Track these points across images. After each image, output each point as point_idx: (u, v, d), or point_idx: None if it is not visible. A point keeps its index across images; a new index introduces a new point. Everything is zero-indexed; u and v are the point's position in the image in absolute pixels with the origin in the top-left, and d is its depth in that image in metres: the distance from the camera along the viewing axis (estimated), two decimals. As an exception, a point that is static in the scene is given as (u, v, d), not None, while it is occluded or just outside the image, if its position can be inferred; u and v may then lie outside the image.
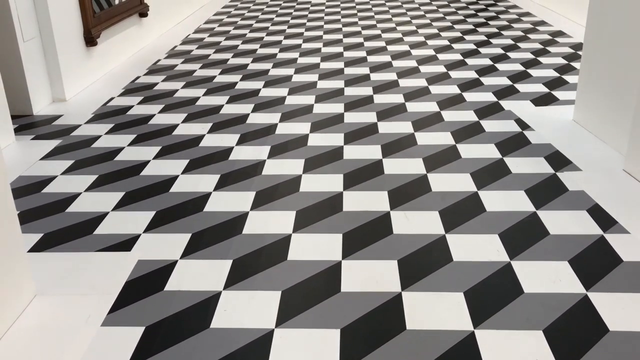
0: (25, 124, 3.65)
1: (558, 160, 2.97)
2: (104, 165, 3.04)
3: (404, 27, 6.24)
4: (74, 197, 2.71)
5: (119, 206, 2.61)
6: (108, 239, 2.35)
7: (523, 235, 2.31)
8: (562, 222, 2.40)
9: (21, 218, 2.51)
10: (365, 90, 4.15)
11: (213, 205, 2.60)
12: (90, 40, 4.39)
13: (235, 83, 4.42)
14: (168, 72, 4.75)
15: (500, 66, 4.67)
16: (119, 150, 3.23)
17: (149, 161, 3.08)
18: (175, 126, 3.56)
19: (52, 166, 3.04)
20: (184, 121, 3.65)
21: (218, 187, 2.77)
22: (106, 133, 3.48)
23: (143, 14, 5.56)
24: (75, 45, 4.26)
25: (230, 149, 3.21)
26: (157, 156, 3.14)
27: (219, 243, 2.30)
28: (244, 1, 8.22)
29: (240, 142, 3.31)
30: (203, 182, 2.82)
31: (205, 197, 2.68)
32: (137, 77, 4.63)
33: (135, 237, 2.35)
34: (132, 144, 3.31)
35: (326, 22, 6.63)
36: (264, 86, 4.34)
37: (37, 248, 2.30)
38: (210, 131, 3.48)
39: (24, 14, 3.70)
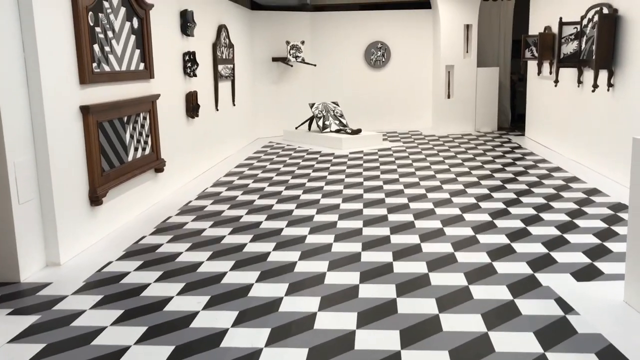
0: (8, 293, 3.32)
1: (612, 358, 2.45)
2: (77, 351, 2.64)
3: (427, 182, 6.00)
4: (29, 397, 2.28)
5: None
6: None
7: None
8: None
9: None
10: (384, 256, 3.78)
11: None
12: (96, 199, 4.18)
13: (249, 241, 4.10)
14: (175, 232, 4.48)
15: (533, 230, 4.27)
16: (99, 331, 2.83)
17: (129, 346, 2.66)
18: (169, 298, 3.19)
19: (18, 352, 2.65)
20: (179, 293, 3.28)
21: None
22: (91, 307, 3.11)
23: (159, 169, 5.44)
24: (78, 205, 4.03)
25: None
26: (139, 341, 2.73)
27: None
28: (268, 153, 8.23)
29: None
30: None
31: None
32: (142, 237, 4.36)
33: None
34: (114, 323, 2.91)
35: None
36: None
37: None
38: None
39: (23, 175, 3.52)
